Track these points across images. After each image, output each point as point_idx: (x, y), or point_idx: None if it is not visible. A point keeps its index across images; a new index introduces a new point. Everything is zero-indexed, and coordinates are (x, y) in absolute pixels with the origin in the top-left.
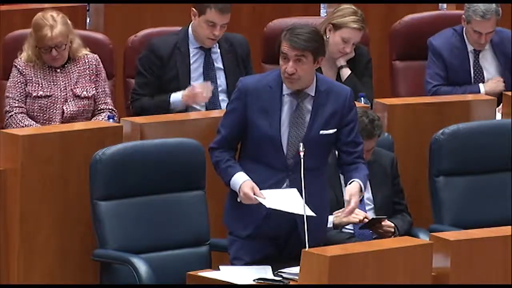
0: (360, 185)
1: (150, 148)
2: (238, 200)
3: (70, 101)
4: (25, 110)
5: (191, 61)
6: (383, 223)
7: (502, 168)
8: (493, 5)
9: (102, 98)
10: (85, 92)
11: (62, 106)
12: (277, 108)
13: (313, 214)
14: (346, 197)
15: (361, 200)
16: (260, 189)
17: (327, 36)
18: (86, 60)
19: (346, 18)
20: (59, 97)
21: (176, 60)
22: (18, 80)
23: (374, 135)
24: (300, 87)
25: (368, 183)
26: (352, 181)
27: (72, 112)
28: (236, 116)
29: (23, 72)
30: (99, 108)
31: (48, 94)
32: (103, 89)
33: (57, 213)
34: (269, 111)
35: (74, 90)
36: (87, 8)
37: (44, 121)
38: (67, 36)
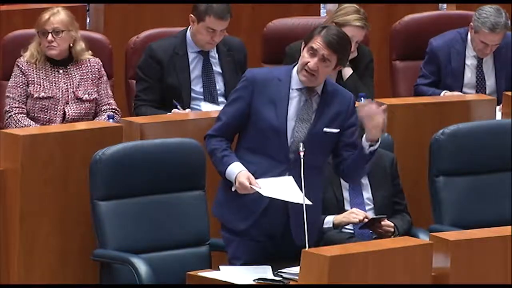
0: None
1: (150, 148)
2: (233, 189)
3: (71, 103)
4: (25, 110)
5: (190, 66)
6: (382, 222)
7: (502, 168)
8: (503, 18)
9: (105, 99)
10: (87, 95)
11: (64, 108)
12: (284, 100)
13: (309, 202)
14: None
15: (361, 201)
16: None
17: None
18: (89, 64)
19: (349, 17)
20: (60, 98)
21: (175, 65)
22: (20, 81)
23: None
24: (312, 85)
25: (368, 183)
26: None
27: (74, 114)
28: (240, 104)
29: (25, 72)
30: (102, 109)
31: (49, 95)
32: (105, 91)
33: (57, 213)
34: (276, 102)
35: (76, 93)
36: (87, 8)
37: (45, 122)
38: (67, 26)
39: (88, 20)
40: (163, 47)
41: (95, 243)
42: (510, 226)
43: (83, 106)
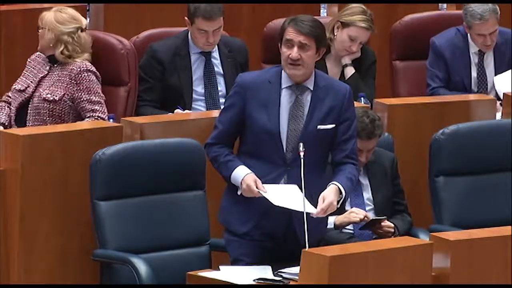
0: (337, 187)
1: (150, 148)
2: (239, 193)
3: (35, 99)
4: (10, 100)
5: (192, 67)
6: (382, 223)
7: (502, 168)
8: (489, 4)
9: (88, 106)
10: (49, 95)
11: (27, 102)
12: (276, 101)
13: (313, 211)
14: (319, 200)
15: (361, 201)
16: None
17: (335, 34)
18: (70, 67)
19: (355, 17)
20: (26, 93)
21: (177, 65)
22: (22, 74)
23: (375, 135)
24: (301, 77)
25: (368, 183)
26: (330, 184)
27: (34, 111)
28: (234, 111)
29: (27, 66)
30: (87, 116)
31: (21, 89)
32: (87, 97)
33: (57, 213)
34: (268, 105)
35: (43, 91)
36: (87, 8)
37: (10, 114)
38: (46, 25)
39: (88, 20)
40: (165, 47)
41: (95, 243)
42: (510, 226)
43: (43, 105)
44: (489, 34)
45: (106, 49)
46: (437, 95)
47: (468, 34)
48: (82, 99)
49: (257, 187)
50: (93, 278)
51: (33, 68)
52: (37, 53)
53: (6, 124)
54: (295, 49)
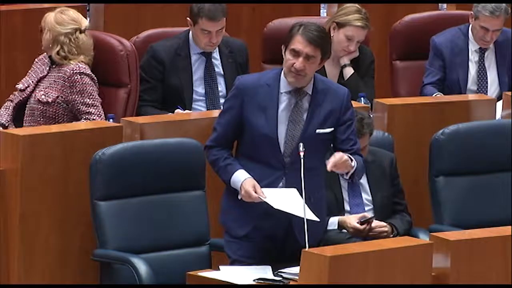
0: (348, 157)
1: (150, 148)
2: (239, 197)
3: (31, 100)
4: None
5: (193, 67)
6: (373, 224)
7: (502, 168)
8: (503, 5)
9: (83, 108)
10: (43, 97)
11: (25, 103)
12: (274, 105)
13: (315, 218)
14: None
15: (360, 201)
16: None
17: (332, 35)
18: (64, 69)
19: (350, 16)
20: (25, 93)
21: (177, 66)
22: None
23: (364, 133)
24: (301, 85)
25: (367, 183)
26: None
27: (30, 111)
28: (233, 114)
29: (33, 65)
30: (83, 117)
31: (22, 88)
32: (82, 100)
33: (57, 213)
34: (266, 108)
35: (38, 92)
36: (87, 8)
37: (10, 114)
38: (46, 26)
39: (88, 20)
40: (165, 48)
41: (95, 243)
42: (510, 226)
43: (37, 106)
44: (492, 31)
45: (106, 50)
46: (425, 92)
47: (469, 31)
48: (76, 102)
49: (256, 192)
50: (93, 278)
51: (37, 68)
52: (45, 53)
53: (7, 125)
54: (301, 59)
